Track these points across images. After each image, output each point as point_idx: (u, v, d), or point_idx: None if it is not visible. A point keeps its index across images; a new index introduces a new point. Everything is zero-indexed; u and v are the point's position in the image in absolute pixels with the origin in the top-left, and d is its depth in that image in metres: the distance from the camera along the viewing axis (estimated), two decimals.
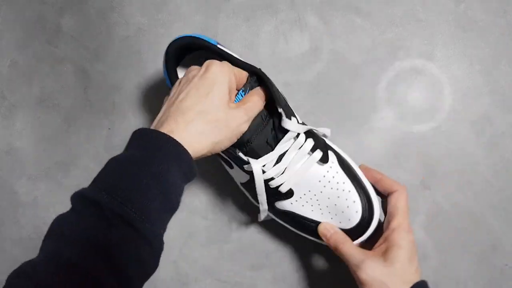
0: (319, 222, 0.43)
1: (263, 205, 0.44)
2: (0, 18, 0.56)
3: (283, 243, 0.51)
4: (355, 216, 0.42)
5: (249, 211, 0.51)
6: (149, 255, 0.31)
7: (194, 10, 0.55)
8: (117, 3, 0.56)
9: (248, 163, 0.41)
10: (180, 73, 0.48)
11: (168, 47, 0.45)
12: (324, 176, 0.43)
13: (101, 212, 0.29)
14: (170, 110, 0.35)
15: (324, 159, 0.43)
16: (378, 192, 0.45)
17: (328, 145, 0.45)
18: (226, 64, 0.38)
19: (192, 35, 0.45)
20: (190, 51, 0.48)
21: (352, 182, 0.43)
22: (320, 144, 0.43)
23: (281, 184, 0.42)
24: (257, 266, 0.50)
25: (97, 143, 0.53)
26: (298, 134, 0.42)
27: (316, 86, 0.53)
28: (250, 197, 0.48)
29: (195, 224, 0.51)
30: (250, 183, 0.43)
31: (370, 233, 0.43)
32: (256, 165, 0.40)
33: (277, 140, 0.41)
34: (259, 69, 0.42)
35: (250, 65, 0.43)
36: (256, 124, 0.40)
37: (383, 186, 0.43)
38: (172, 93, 0.38)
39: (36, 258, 0.30)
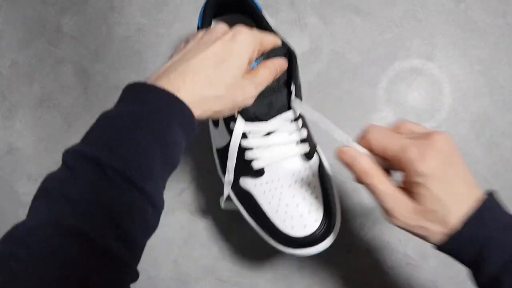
0: (270, 221, 0.39)
1: (230, 174, 0.40)
2: (0, 18, 0.56)
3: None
4: (313, 224, 0.38)
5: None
6: (151, 214, 0.29)
7: (194, 10, 0.55)
8: (117, 3, 0.56)
9: (235, 120, 0.38)
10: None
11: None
12: (300, 172, 0.40)
13: (101, 170, 0.26)
14: (180, 64, 0.32)
15: (308, 156, 0.41)
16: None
17: (316, 146, 0.43)
18: (254, 35, 0.35)
19: None
20: (229, 10, 0.45)
21: (323, 191, 0.40)
22: (310, 140, 0.41)
23: (257, 159, 0.39)
24: (257, 266, 0.50)
25: None
26: (297, 118, 0.40)
27: (316, 86, 0.53)
28: (219, 169, 0.45)
29: (195, 224, 0.51)
30: (226, 149, 0.40)
31: (320, 250, 0.39)
32: (240, 124, 0.38)
33: (276, 113, 0.39)
34: (288, 43, 0.39)
35: (283, 39, 0.40)
36: (268, 88, 0.37)
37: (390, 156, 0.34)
38: (189, 45, 0.34)
39: (29, 220, 0.26)
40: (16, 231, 0.26)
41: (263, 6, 0.55)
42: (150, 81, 0.31)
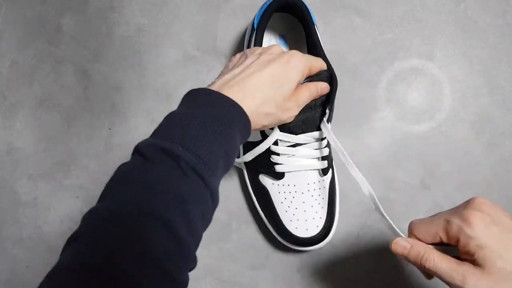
0: (279, 218, 0.46)
1: (246, 158, 0.46)
2: (0, 18, 0.56)
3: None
4: (314, 229, 0.46)
5: (249, 211, 0.51)
6: (211, 208, 0.31)
7: (194, 10, 0.55)
8: (117, 3, 0.56)
9: (272, 128, 0.43)
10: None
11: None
12: (314, 183, 0.46)
13: (176, 162, 0.29)
14: (241, 79, 0.35)
15: (324, 172, 0.46)
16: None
17: (332, 164, 0.49)
18: (306, 61, 0.39)
19: (304, 2, 0.46)
20: (287, 10, 0.49)
21: (329, 203, 0.47)
22: (330, 158, 0.47)
23: (280, 164, 0.45)
24: (257, 266, 0.50)
25: (97, 143, 0.53)
26: (323, 138, 0.45)
27: None
28: (241, 154, 0.49)
29: None
30: (254, 145, 0.45)
31: (313, 249, 0.46)
32: (276, 134, 0.43)
33: (306, 129, 0.44)
34: (332, 68, 0.44)
35: (328, 61, 0.45)
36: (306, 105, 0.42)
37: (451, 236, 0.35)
38: (248, 60, 0.38)
39: (109, 202, 0.28)
40: (97, 212, 0.28)
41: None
42: (215, 89, 0.35)
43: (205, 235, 0.51)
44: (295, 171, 0.46)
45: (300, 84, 0.39)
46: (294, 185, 0.46)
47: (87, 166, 0.53)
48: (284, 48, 0.52)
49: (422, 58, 0.54)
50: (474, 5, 0.54)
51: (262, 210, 0.48)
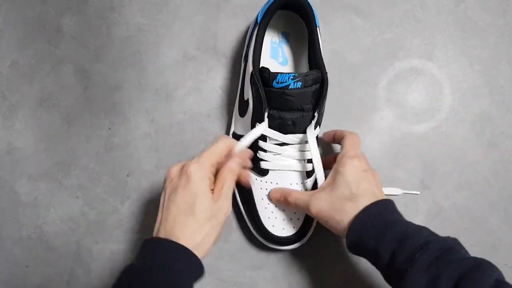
0: (258, 214, 0.46)
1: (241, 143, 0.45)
2: (0, 18, 0.56)
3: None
4: (290, 230, 0.46)
5: None
6: None
7: (194, 10, 0.55)
8: (117, 3, 0.56)
9: (262, 121, 0.43)
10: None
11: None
12: (297, 184, 0.46)
13: None
14: (167, 217, 0.38)
15: (308, 174, 0.46)
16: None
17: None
18: (203, 166, 0.39)
19: (309, 2, 0.46)
20: (291, 7, 0.49)
21: None
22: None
23: (266, 161, 0.45)
24: (257, 266, 0.50)
25: (97, 143, 0.53)
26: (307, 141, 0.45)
27: None
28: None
29: None
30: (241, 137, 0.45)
31: (286, 249, 0.47)
32: (263, 126, 0.43)
33: (294, 130, 0.44)
34: (326, 72, 0.44)
35: (322, 62, 0.45)
36: (295, 107, 0.42)
37: (336, 137, 0.47)
38: (166, 195, 0.40)
39: None
40: None
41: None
42: (156, 232, 0.38)
43: None
44: (279, 169, 0.46)
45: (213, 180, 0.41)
46: (277, 183, 0.46)
47: (87, 166, 0.53)
48: (285, 46, 0.52)
49: (422, 58, 0.54)
50: (474, 5, 0.54)
51: (242, 203, 0.49)
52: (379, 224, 0.37)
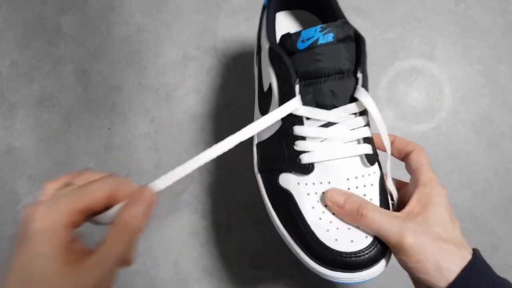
0: (310, 228, 0.32)
1: (244, 136, 0.34)
2: (0, 18, 0.56)
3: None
4: (362, 240, 0.31)
5: (249, 211, 0.51)
6: None
7: (194, 10, 0.55)
8: (117, 3, 0.56)
9: (294, 96, 0.32)
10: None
11: None
12: (356, 178, 0.33)
13: None
14: None
15: (371, 159, 0.33)
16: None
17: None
18: (53, 213, 0.25)
19: None
20: (297, 7, 0.42)
21: (381, 205, 0.33)
22: (373, 144, 0.35)
23: (308, 152, 0.33)
24: (257, 266, 0.50)
25: (97, 143, 0.53)
26: (362, 112, 0.34)
27: None
28: (256, 165, 0.38)
29: (195, 224, 0.51)
30: (272, 139, 0.35)
31: (369, 275, 0.31)
32: (297, 101, 0.32)
33: (338, 102, 0.33)
34: (354, 27, 0.34)
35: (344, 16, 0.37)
36: (332, 71, 0.32)
37: (397, 146, 0.37)
38: None
39: None
40: None
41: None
42: None
43: (205, 235, 0.52)
44: (329, 160, 0.32)
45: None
46: (329, 182, 0.32)
47: (87, 166, 0.53)
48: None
49: (422, 58, 0.54)
50: (474, 5, 0.54)
51: (282, 221, 0.34)
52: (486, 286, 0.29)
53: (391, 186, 0.35)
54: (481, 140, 0.52)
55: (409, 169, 0.36)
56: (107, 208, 0.28)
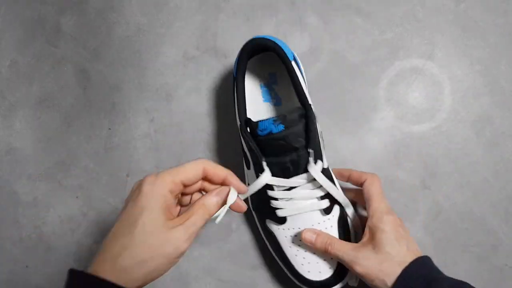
0: (290, 262, 0.45)
1: (247, 193, 0.43)
2: (0, 18, 0.56)
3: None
4: (327, 271, 0.43)
5: (249, 211, 0.51)
6: None
7: (194, 10, 0.55)
8: (117, 3, 0.56)
9: (263, 170, 0.41)
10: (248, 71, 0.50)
11: (247, 43, 0.45)
12: (319, 223, 0.44)
13: None
14: (105, 242, 0.32)
15: (327, 211, 0.44)
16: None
17: (336, 200, 0.45)
18: (162, 180, 0.33)
19: (275, 41, 0.45)
20: (263, 51, 0.48)
21: None
22: (330, 196, 0.44)
23: (280, 209, 0.44)
24: (257, 266, 0.50)
25: (97, 143, 0.53)
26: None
27: (316, 86, 0.53)
28: (249, 203, 0.48)
29: None
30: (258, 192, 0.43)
31: None
32: (265, 177, 0.41)
33: (295, 171, 0.42)
34: (310, 105, 0.43)
35: (306, 97, 0.44)
36: (289, 146, 0.40)
37: (353, 180, 0.46)
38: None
39: None
40: None
41: (263, 6, 0.55)
42: (91, 269, 0.31)
43: (205, 235, 0.52)
44: (296, 214, 0.44)
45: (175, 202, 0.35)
46: (299, 228, 0.44)
47: (87, 166, 0.53)
48: (275, 86, 0.51)
49: (422, 58, 0.54)
50: (474, 5, 0.54)
51: (274, 253, 0.47)
52: (423, 283, 0.37)
53: (355, 223, 0.46)
54: (481, 140, 0.52)
55: (364, 199, 0.44)
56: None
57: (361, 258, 0.39)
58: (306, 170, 0.42)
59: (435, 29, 0.54)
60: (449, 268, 0.50)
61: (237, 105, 0.45)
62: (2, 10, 0.56)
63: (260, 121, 0.40)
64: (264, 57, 0.50)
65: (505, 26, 0.54)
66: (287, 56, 0.45)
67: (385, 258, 0.39)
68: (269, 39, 0.45)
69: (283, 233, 0.45)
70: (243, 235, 0.51)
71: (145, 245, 0.31)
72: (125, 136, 0.53)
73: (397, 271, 0.38)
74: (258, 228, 0.51)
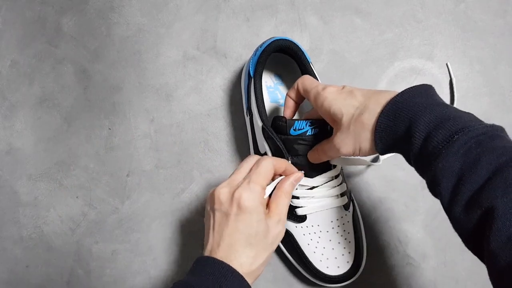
0: (308, 259, 0.45)
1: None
2: (0, 18, 0.56)
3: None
4: (345, 265, 0.45)
5: None
6: None
7: (194, 10, 0.55)
8: (117, 3, 0.56)
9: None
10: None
11: (270, 44, 0.46)
12: (337, 220, 0.46)
13: None
14: (220, 246, 0.36)
15: (346, 206, 0.46)
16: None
17: (352, 196, 0.48)
18: (256, 192, 0.37)
19: (294, 42, 0.46)
20: (282, 52, 0.49)
21: (355, 236, 0.46)
22: (348, 192, 0.47)
23: (301, 207, 0.45)
24: None
25: (97, 143, 0.53)
26: (337, 176, 0.45)
27: None
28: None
29: (195, 223, 0.51)
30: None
31: (347, 283, 0.45)
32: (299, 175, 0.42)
33: (318, 172, 0.44)
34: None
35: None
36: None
37: (297, 95, 0.43)
38: (213, 220, 0.38)
39: None
40: None
41: (263, 6, 0.55)
42: (208, 253, 0.37)
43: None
44: (316, 211, 0.45)
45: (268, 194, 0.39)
46: (318, 225, 0.45)
47: (87, 166, 0.53)
48: (282, 87, 0.51)
49: (422, 58, 0.54)
50: (474, 5, 0.54)
51: (288, 252, 0.48)
52: (416, 106, 0.31)
53: None
54: None
55: (303, 97, 0.42)
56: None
57: (336, 139, 0.37)
58: (325, 170, 0.44)
59: (435, 29, 0.54)
60: (448, 267, 0.50)
61: (257, 106, 0.46)
62: (3, 10, 0.56)
63: (297, 120, 0.41)
64: (271, 58, 0.50)
65: (505, 26, 0.54)
66: (306, 59, 0.46)
67: (349, 120, 0.35)
68: (291, 41, 0.46)
69: (301, 231, 0.46)
70: None
71: (264, 250, 0.37)
72: (125, 136, 0.53)
73: (377, 109, 0.34)
74: None
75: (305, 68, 0.47)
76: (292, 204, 0.44)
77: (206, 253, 0.37)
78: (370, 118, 0.34)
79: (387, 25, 0.54)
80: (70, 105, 0.54)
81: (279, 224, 0.38)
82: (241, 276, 0.35)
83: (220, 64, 0.54)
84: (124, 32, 0.55)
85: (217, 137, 0.53)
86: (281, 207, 0.38)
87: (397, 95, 0.33)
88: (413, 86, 0.34)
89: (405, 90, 0.33)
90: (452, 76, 0.52)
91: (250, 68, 0.47)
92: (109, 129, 0.53)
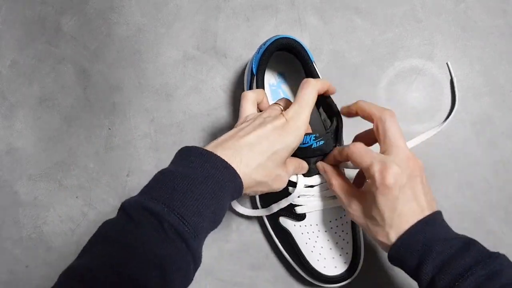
0: (305, 259, 0.45)
1: (272, 210, 0.45)
2: (0, 18, 0.56)
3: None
4: (342, 266, 0.45)
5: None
6: (192, 271, 0.31)
7: (194, 10, 0.55)
8: (117, 3, 0.56)
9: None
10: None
11: (273, 42, 0.45)
12: (336, 220, 0.45)
13: (160, 224, 0.29)
14: (241, 142, 0.35)
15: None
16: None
17: None
18: (305, 117, 0.37)
19: (298, 41, 0.46)
20: (285, 51, 0.48)
21: (353, 237, 0.46)
22: None
23: (300, 206, 0.44)
24: (257, 266, 0.50)
25: (97, 143, 0.53)
26: None
27: None
28: (258, 201, 0.49)
29: None
30: (278, 195, 0.44)
31: (343, 284, 0.45)
32: (302, 181, 0.43)
33: (318, 171, 0.43)
34: (338, 112, 0.44)
35: (332, 100, 0.45)
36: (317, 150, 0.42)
37: (362, 115, 0.41)
38: (244, 125, 0.37)
39: (88, 261, 0.28)
40: (74, 270, 0.28)
41: (263, 6, 0.55)
42: (209, 149, 0.34)
43: None
44: (315, 210, 0.45)
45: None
46: (317, 225, 0.45)
47: (87, 166, 0.53)
48: (284, 86, 0.52)
49: (422, 58, 0.54)
50: (474, 5, 0.54)
51: (286, 251, 0.48)
52: (422, 247, 0.34)
53: None
54: (481, 140, 0.52)
55: (376, 137, 0.40)
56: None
57: (352, 206, 0.39)
58: None
59: (435, 29, 0.54)
60: None
61: None
62: (3, 10, 0.56)
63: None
64: (278, 55, 0.50)
65: (505, 26, 0.54)
66: (309, 57, 0.46)
67: (371, 222, 0.37)
68: (294, 40, 0.46)
69: (299, 230, 0.45)
70: (243, 235, 0.51)
71: (269, 173, 0.36)
72: (125, 136, 0.53)
73: (393, 235, 0.36)
74: (259, 227, 0.51)
75: (308, 67, 0.46)
76: (291, 202, 0.44)
77: (218, 144, 0.35)
78: (388, 240, 0.36)
79: (387, 25, 0.54)
80: (70, 105, 0.54)
81: (285, 178, 0.38)
82: (232, 168, 0.33)
83: (220, 64, 0.54)
84: (124, 32, 0.55)
85: (217, 137, 0.53)
86: (292, 167, 0.40)
87: (402, 235, 0.35)
88: (417, 223, 0.35)
89: (409, 230, 0.35)
90: (453, 76, 0.52)
91: (253, 66, 0.47)
92: (109, 129, 0.53)
